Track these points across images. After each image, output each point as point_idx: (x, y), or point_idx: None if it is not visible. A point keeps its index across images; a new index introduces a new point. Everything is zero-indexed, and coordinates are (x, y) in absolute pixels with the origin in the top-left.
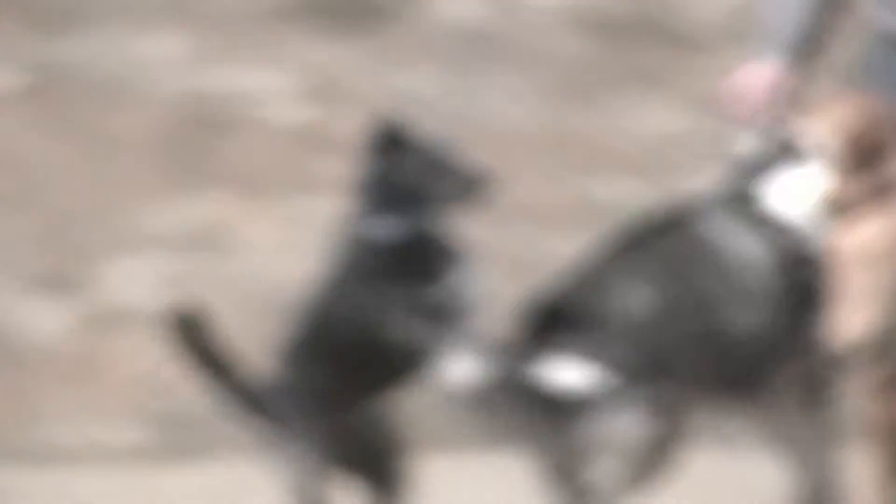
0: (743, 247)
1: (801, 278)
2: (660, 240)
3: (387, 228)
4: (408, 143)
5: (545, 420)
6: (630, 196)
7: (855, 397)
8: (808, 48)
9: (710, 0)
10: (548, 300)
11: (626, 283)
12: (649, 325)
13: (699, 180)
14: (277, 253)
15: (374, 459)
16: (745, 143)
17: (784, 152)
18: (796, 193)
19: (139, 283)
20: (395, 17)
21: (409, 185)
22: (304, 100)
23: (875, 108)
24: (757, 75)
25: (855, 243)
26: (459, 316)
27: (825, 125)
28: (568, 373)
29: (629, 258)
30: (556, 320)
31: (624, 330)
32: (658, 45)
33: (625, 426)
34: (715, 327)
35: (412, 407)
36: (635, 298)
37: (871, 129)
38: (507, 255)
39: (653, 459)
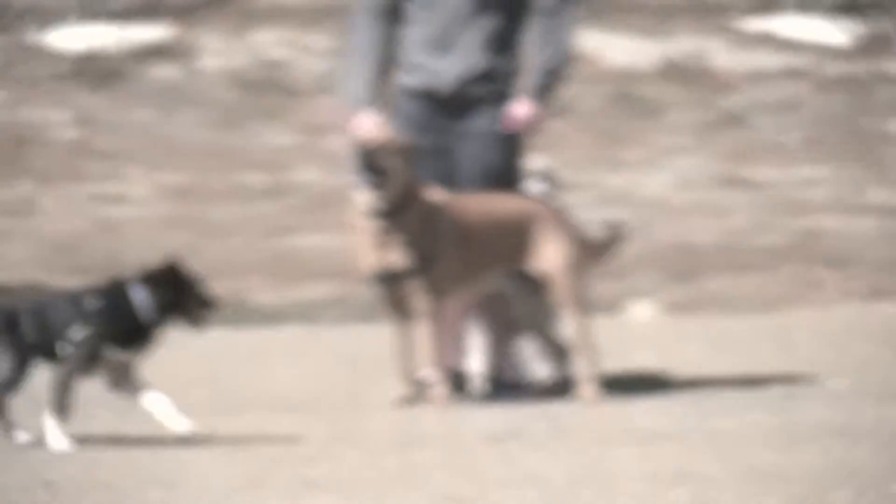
0: None
1: None
2: None
3: None
4: None
5: None
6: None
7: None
8: (373, 100)
9: (308, 65)
10: None
11: None
12: None
13: (300, 174)
14: (61, 218)
15: None
16: None
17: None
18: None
19: None
20: (125, 77)
21: None
22: (75, 127)
23: (389, 131)
24: (358, 119)
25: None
26: None
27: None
28: None
29: None
30: None
31: None
32: (277, 93)
33: None
34: None
35: None
36: None
37: (386, 143)
38: None
39: None
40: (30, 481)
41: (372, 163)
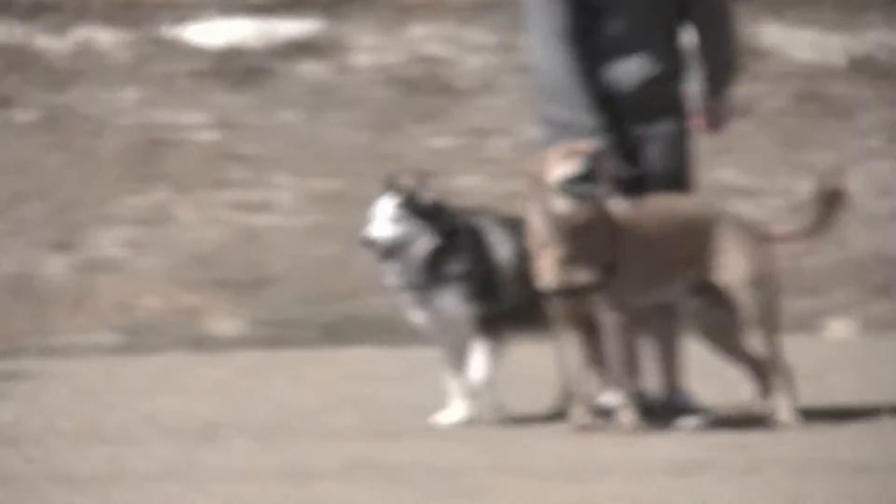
0: None
1: None
2: None
3: None
4: None
5: None
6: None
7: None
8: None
9: (468, 62)
10: None
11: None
12: None
13: (463, 179)
14: (198, 227)
15: None
16: None
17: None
18: None
19: (113, 244)
20: (270, 75)
21: None
22: (215, 129)
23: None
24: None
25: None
26: None
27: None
28: None
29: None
30: None
31: None
32: (436, 92)
33: None
34: None
35: None
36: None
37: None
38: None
39: None
40: None
41: (591, 173)
